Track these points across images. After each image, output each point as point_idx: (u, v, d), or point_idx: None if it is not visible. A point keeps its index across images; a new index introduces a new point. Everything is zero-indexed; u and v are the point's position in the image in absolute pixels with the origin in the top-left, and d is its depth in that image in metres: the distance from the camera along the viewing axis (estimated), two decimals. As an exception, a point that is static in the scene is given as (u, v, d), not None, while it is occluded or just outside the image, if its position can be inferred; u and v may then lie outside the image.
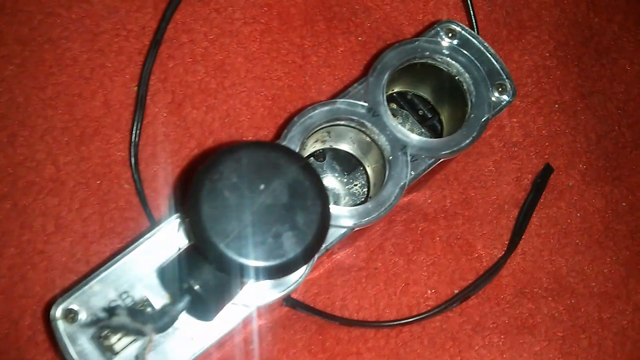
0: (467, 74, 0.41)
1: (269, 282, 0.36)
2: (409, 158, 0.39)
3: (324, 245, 0.38)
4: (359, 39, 0.53)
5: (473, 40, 0.42)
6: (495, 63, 0.42)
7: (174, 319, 0.30)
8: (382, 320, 0.46)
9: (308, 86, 0.51)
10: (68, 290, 0.34)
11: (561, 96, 0.54)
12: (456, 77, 0.42)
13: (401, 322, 0.45)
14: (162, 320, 0.30)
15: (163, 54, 0.50)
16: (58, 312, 0.34)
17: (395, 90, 0.46)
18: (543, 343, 0.46)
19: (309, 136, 0.40)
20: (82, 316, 0.34)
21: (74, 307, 0.34)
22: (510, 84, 0.41)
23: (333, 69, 0.52)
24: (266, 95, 0.50)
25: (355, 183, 0.46)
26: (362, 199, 0.45)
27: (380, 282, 0.47)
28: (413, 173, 0.39)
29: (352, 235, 0.45)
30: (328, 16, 0.53)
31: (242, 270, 0.29)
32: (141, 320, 0.27)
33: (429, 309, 0.46)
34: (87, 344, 0.33)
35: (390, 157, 0.39)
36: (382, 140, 0.39)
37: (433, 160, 0.40)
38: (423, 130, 0.46)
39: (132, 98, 0.49)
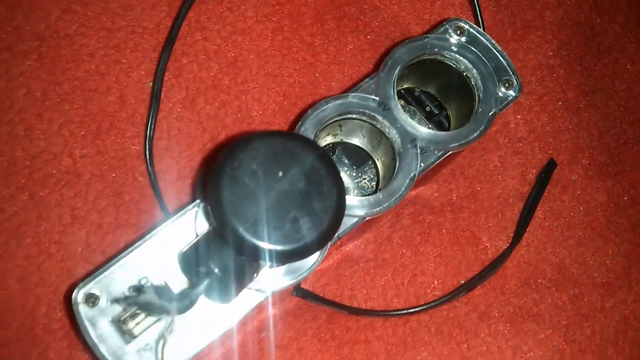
0: (474, 70, 0.42)
1: (282, 269, 0.37)
2: (418, 150, 0.40)
3: (336, 234, 0.39)
4: (368, 37, 0.55)
5: (480, 37, 0.43)
6: (502, 59, 0.43)
7: (193, 302, 0.31)
8: (390, 310, 0.47)
9: (318, 83, 0.52)
10: (89, 276, 0.35)
11: (564, 94, 0.55)
12: (464, 73, 0.43)
13: (409, 311, 0.46)
14: (183, 303, 0.31)
15: (177, 50, 0.51)
16: (79, 296, 0.35)
17: (403, 87, 0.48)
18: (547, 331, 0.47)
19: (322, 129, 0.41)
20: (103, 301, 0.35)
21: (95, 291, 0.35)
22: (516, 80, 0.43)
23: (342, 67, 0.53)
24: (277, 91, 0.52)
25: (364, 177, 0.47)
26: (371, 193, 0.46)
27: (388, 273, 0.48)
28: (422, 165, 0.40)
29: (361, 227, 0.46)
30: (338, 15, 0.54)
31: (260, 253, 0.30)
32: (167, 298, 0.28)
33: (435, 298, 0.47)
34: (107, 327, 0.34)
35: (401, 150, 0.40)
36: (393, 133, 0.41)
37: (442, 152, 0.41)
38: (430, 126, 0.47)
39: (147, 93, 0.50)
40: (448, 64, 0.43)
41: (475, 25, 0.43)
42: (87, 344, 0.34)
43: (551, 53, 0.56)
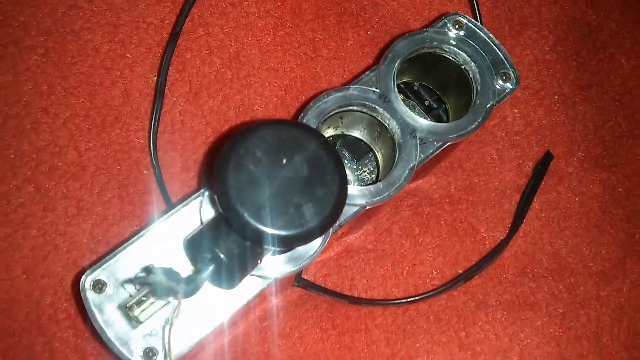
0: (473, 63, 0.43)
1: (284, 257, 0.38)
2: (418, 141, 0.41)
3: (337, 222, 0.40)
4: (368, 33, 0.56)
5: (478, 31, 0.44)
6: (499, 53, 0.44)
7: (199, 286, 0.32)
8: (390, 299, 0.48)
9: (319, 77, 0.53)
10: (96, 263, 0.36)
11: (561, 88, 0.56)
12: (462, 66, 0.44)
13: (408, 300, 0.47)
14: (189, 287, 0.32)
15: (181, 46, 0.52)
16: (87, 282, 0.35)
17: (403, 81, 0.49)
18: (544, 319, 0.48)
19: (323, 121, 0.42)
20: (110, 287, 0.35)
21: (102, 278, 0.36)
22: (513, 73, 0.44)
23: (343, 61, 0.54)
24: (279, 85, 0.53)
25: (364, 169, 0.48)
26: (371, 184, 0.47)
27: (387, 263, 0.49)
28: (422, 155, 0.41)
29: (362, 218, 0.47)
30: (338, 11, 0.55)
31: (265, 238, 0.31)
32: (174, 279, 0.29)
33: (434, 288, 0.48)
34: (113, 313, 0.35)
35: (400, 141, 0.41)
36: (393, 124, 0.42)
37: (441, 143, 0.42)
38: (429, 119, 0.48)
39: (151, 88, 0.51)
40: (447, 58, 0.44)
41: (473, 20, 0.44)
42: (94, 330, 0.35)
43: (547, 48, 0.57)
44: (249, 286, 0.37)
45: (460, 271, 0.49)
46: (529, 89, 0.56)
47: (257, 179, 0.32)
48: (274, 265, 0.37)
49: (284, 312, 0.47)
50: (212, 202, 0.38)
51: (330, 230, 0.39)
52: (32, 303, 0.45)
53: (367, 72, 0.43)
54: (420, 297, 0.47)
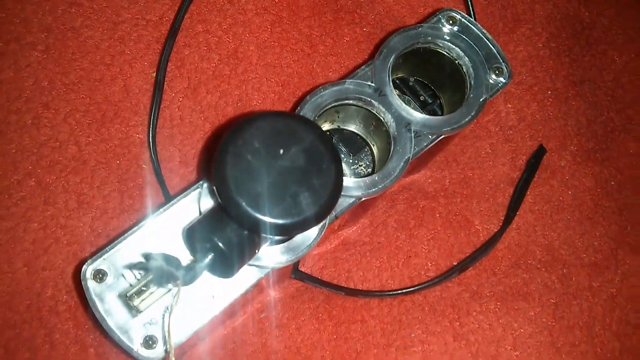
0: (466, 58, 0.44)
1: (281, 248, 0.38)
2: (412, 134, 0.42)
3: (333, 213, 0.41)
4: (364, 30, 0.56)
5: (472, 27, 0.45)
6: (492, 48, 0.45)
7: (198, 274, 0.33)
8: (386, 290, 0.48)
9: (316, 73, 0.54)
10: (96, 253, 0.37)
11: (554, 84, 0.57)
12: (456, 61, 0.45)
13: (403, 291, 0.48)
14: (188, 275, 0.32)
15: (180, 42, 0.53)
16: (88, 272, 0.36)
17: (398, 76, 0.49)
18: (537, 309, 0.49)
19: (320, 115, 0.43)
20: (110, 277, 0.36)
21: (103, 268, 0.36)
22: (506, 67, 0.45)
23: (339, 58, 0.55)
24: (276, 81, 0.53)
25: (360, 163, 0.48)
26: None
27: (383, 255, 0.50)
28: (416, 148, 0.42)
29: (357, 211, 0.48)
30: (335, 8, 0.56)
31: (262, 227, 0.32)
32: (174, 265, 0.30)
33: (429, 279, 0.49)
34: (114, 302, 0.36)
35: (395, 134, 0.42)
36: (388, 117, 0.42)
37: (435, 136, 0.43)
38: (424, 114, 0.48)
39: (150, 84, 0.52)
40: (441, 52, 0.45)
41: (466, 15, 0.45)
42: (95, 319, 0.36)
43: (541, 45, 0.58)
44: (247, 276, 0.38)
45: (455, 263, 0.50)
46: (522, 85, 0.57)
47: (255, 169, 0.32)
48: (272, 256, 0.38)
49: (282, 303, 0.48)
50: (211, 194, 0.38)
51: (327, 221, 0.39)
52: (33, 295, 0.46)
53: (362, 67, 0.43)
54: (416, 288, 0.48)
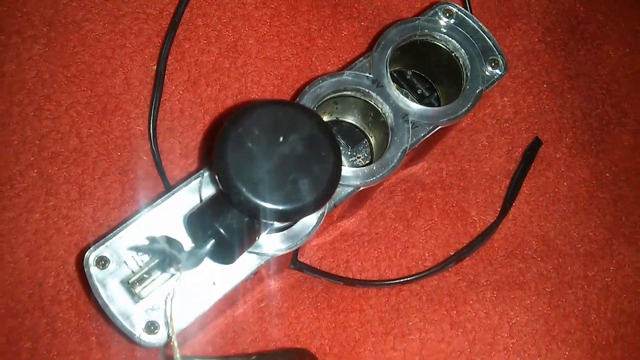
0: (463, 50, 0.45)
1: (281, 236, 0.39)
2: (410, 125, 0.43)
3: (332, 202, 0.41)
4: (362, 24, 0.57)
5: (468, 19, 0.46)
6: (488, 40, 0.46)
7: (200, 260, 0.33)
8: (384, 280, 0.49)
9: (314, 67, 0.55)
10: (99, 240, 0.37)
11: (549, 77, 0.58)
12: (453, 54, 0.45)
13: (401, 280, 0.49)
14: (191, 260, 0.33)
15: (180, 36, 0.54)
16: (91, 258, 0.37)
17: (395, 69, 0.50)
18: (533, 297, 0.49)
19: (318, 106, 0.43)
20: (112, 264, 0.37)
21: (106, 255, 0.37)
22: (502, 59, 0.45)
23: (338, 51, 0.56)
24: (275, 74, 0.54)
25: (359, 155, 0.49)
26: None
27: (381, 246, 0.50)
28: (414, 139, 0.43)
29: (356, 202, 0.48)
30: (333, 2, 0.57)
31: (263, 212, 0.32)
32: (178, 248, 0.30)
33: (426, 269, 0.49)
34: (116, 288, 0.36)
35: (393, 125, 0.43)
36: (386, 109, 0.43)
37: (432, 127, 0.43)
38: (421, 106, 0.49)
39: (151, 76, 0.52)
40: (438, 45, 0.46)
41: (463, 9, 0.46)
42: (98, 306, 0.36)
43: (537, 39, 0.59)
44: (247, 263, 0.38)
45: (452, 253, 0.50)
46: (518, 78, 0.57)
47: (255, 156, 0.33)
48: (272, 243, 0.38)
49: (281, 293, 0.48)
50: (212, 182, 0.39)
51: (326, 210, 0.40)
52: (35, 285, 0.46)
53: (360, 59, 0.44)
54: (413, 277, 0.49)
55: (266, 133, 0.33)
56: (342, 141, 0.48)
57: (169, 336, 0.35)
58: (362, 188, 0.42)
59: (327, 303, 0.48)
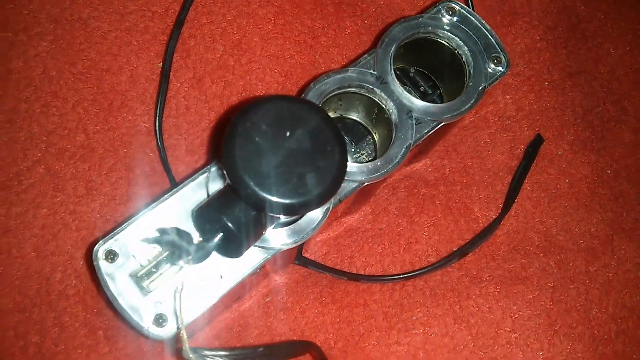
0: (465, 48, 0.45)
1: (287, 231, 0.39)
2: (414, 121, 0.43)
3: (337, 197, 0.42)
4: (365, 22, 0.58)
5: (471, 17, 0.46)
6: (491, 38, 0.46)
7: (208, 253, 0.34)
8: (387, 275, 0.49)
9: (318, 64, 0.55)
10: (108, 234, 0.38)
11: (550, 75, 0.58)
12: (456, 51, 0.46)
13: (405, 275, 0.49)
14: (199, 253, 0.33)
15: (185, 33, 0.54)
16: (100, 252, 0.37)
17: (398, 67, 0.50)
18: (535, 292, 0.50)
19: (323, 102, 0.44)
20: (121, 257, 0.37)
21: (114, 248, 0.37)
22: (504, 57, 0.46)
23: (341, 49, 0.56)
24: (280, 72, 0.54)
25: (362, 152, 0.49)
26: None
27: (385, 241, 0.51)
28: (418, 135, 0.43)
29: (360, 198, 0.49)
30: (336, 0, 0.57)
31: (270, 206, 0.33)
32: (187, 240, 0.31)
33: (430, 264, 0.50)
34: (125, 281, 0.37)
35: (397, 121, 0.43)
36: (390, 105, 0.43)
37: (435, 123, 0.44)
38: (425, 102, 0.50)
39: (156, 74, 0.53)
40: (441, 42, 0.46)
41: (465, 6, 0.46)
42: (107, 299, 0.37)
43: (538, 37, 0.60)
44: (254, 256, 0.39)
45: (455, 249, 0.51)
46: (520, 76, 0.58)
47: (263, 150, 0.33)
48: (278, 238, 0.39)
49: (286, 288, 0.49)
50: (219, 177, 0.39)
51: (331, 205, 0.40)
52: (42, 279, 0.47)
53: (364, 56, 0.45)
54: (417, 273, 0.49)
55: (273, 128, 0.34)
56: (346, 138, 0.49)
57: (178, 328, 0.35)
58: (366, 183, 0.42)
59: (331, 298, 0.48)
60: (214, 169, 0.40)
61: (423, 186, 0.53)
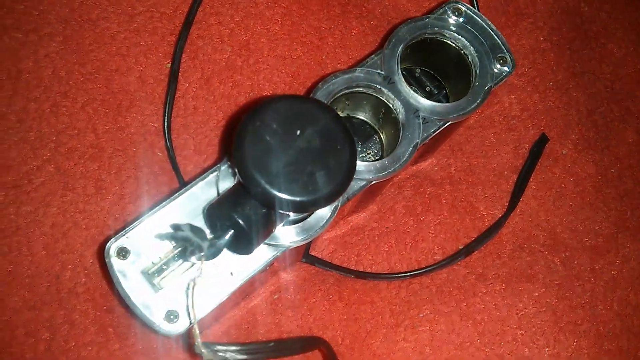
0: (472, 48, 0.46)
1: (296, 228, 0.40)
2: (421, 121, 0.44)
3: (345, 196, 0.42)
4: (371, 23, 0.58)
5: (477, 18, 0.47)
6: (496, 38, 0.47)
7: (219, 250, 0.34)
8: (394, 273, 0.50)
9: (325, 65, 0.56)
10: (119, 232, 0.38)
11: (555, 75, 0.59)
12: (462, 51, 0.46)
13: (412, 273, 0.50)
14: (211, 250, 0.34)
15: (193, 34, 0.55)
16: (112, 249, 0.38)
17: (404, 67, 0.51)
18: (541, 289, 0.50)
19: (331, 102, 0.44)
20: (132, 255, 0.38)
21: (126, 246, 0.38)
22: (510, 57, 0.46)
23: (347, 50, 0.57)
24: (287, 72, 0.55)
25: (369, 152, 0.50)
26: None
27: (391, 240, 0.51)
28: (424, 134, 0.44)
29: (367, 196, 0.49)
30: (343, 1, 0.58)
31: (281, 204, 0.33)
32: (201, 236, 0.31)
33: (436, 262, 0.50)
34: (136, 278, 0.37)
35: (404, 120, 0.44)
36: (397, 105, 0.44)
37: (442, 122, 0.44)
38: (432, 102, 0.50)
39: (165, 74, 0.53)
40: (447, 43, 0.47)
41: (472, 7, 0.47)
42: (118, 296, 0.37)
43: (542, 38, 0.60)
44: (263, 253, 0.39)
45: (461, 247, 0.51)
46: (525, 76, 0.58)
47: (273, 149, 0.34)
48: (287, 235, 0.39)
49: (294, 286, 0.49)
50: (229, 176, 0.40)
51: (339, 203, 0.41)
52: (52, 277, 0.47)
53: (372, 56, 0.45)
54: (423, 270, 0.50)
55: (283, 126, 0.34)
56: (352, 137, 0.49)
57: (190, 324, 0.36)
58: (374, 182, 0.43)
59: (338, 295, 0.49)
60: (224, 167, 0.40)
61: (429, 185, 0.53)
